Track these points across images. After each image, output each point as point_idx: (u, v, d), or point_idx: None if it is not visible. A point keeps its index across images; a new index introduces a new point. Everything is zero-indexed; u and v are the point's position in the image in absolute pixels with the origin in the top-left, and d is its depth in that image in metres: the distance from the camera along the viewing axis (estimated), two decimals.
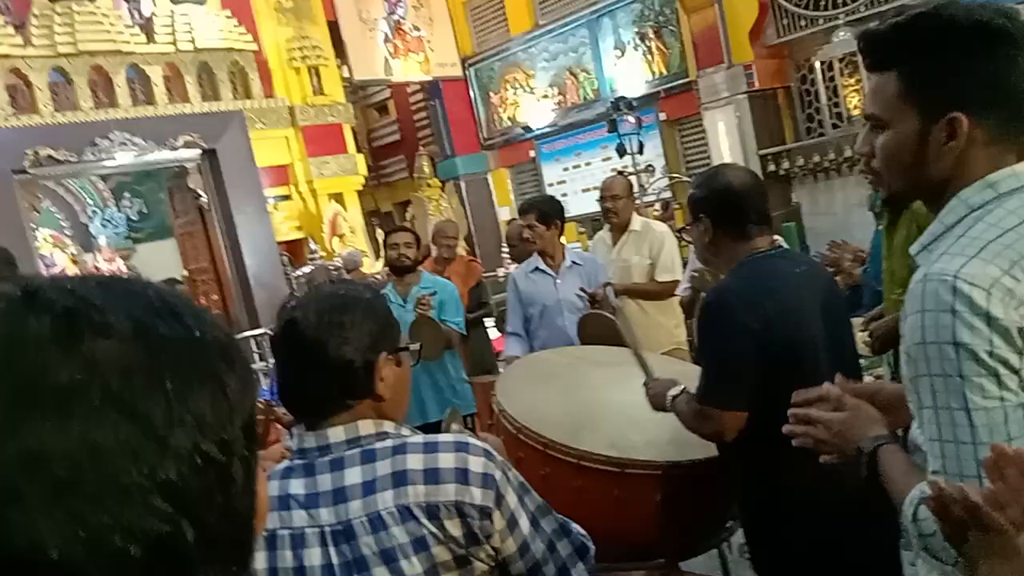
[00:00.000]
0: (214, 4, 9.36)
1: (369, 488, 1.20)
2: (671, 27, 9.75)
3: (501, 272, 9.31)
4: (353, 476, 1.21)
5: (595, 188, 10.51)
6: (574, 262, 3.93)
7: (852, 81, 8.26)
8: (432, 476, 1.20)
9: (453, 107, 12.08)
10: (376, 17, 10.97)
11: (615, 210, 4.17)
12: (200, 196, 9.36)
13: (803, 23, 8.64)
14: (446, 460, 1.21)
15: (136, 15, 8.82)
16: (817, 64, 8.40)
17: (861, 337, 2.74)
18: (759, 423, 1.82)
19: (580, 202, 10.58)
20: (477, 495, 1.20)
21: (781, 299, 1.89)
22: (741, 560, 2.88)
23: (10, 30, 7.94)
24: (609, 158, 9.98)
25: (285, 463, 1.29)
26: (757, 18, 8.65)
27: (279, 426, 2.89)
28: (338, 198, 10.72)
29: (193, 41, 8.91)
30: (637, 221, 4.22)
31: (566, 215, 4.23)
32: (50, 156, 7.99)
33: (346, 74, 11.01)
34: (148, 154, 8.62)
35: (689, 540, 2.40)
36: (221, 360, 0.47)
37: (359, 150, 11.67)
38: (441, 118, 12.12)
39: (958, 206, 1.08)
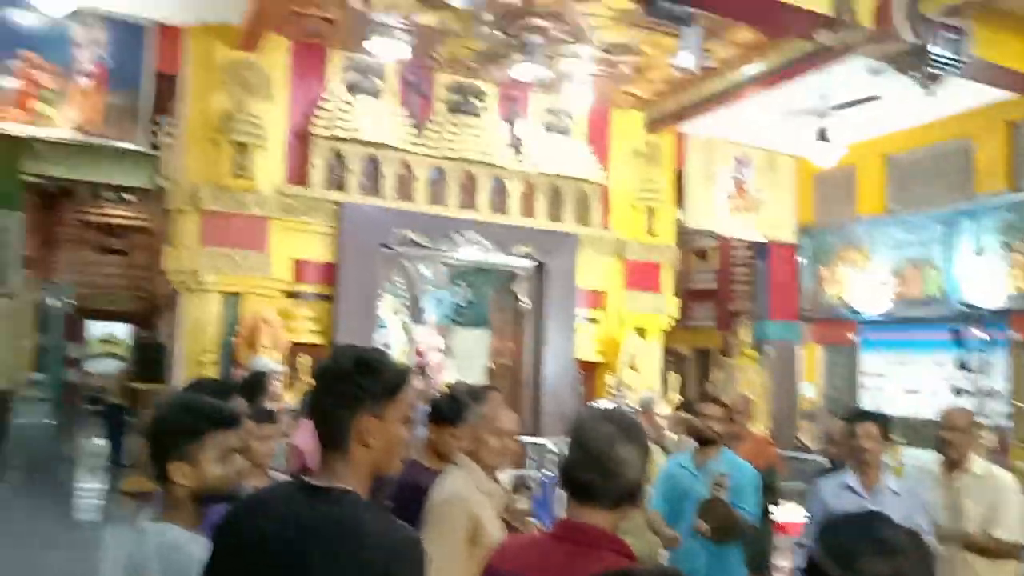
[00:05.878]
0: (580, 135, 10.25)
1: None
2: None
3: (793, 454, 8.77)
4: None
5: (919, 392, 9.70)
6: (891, 490, 3.59)
7: None
8: None
9: (777, 271, 11.88)
10: (722, 173, 11.28)
11: (953, 444, 3.80)
12: (521, 301, 10.10)
13: None
14: None
15: (511, 135, 9.94)
16: None
17: None
18: None
19: (899, 403, 9.75)
20: None
21: None
22: None
23: (412, 129, 9.35)
24: (943, 364, 9.13)
25: None
26: None
27: None
28: (640, 332, 10.91)
29: (553, 166, 9.82)
30: (978, 464, 3.79)
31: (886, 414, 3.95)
32: (413, 240, 9.19)
33: (679, 217, 11.35)
34: (490, 255, 9.58)
35: None
36: None
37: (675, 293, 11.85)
38: (763, 279, 11.96)
39: None
